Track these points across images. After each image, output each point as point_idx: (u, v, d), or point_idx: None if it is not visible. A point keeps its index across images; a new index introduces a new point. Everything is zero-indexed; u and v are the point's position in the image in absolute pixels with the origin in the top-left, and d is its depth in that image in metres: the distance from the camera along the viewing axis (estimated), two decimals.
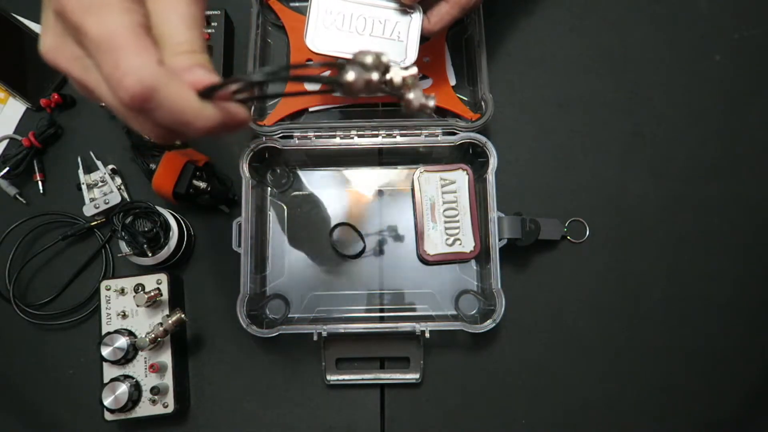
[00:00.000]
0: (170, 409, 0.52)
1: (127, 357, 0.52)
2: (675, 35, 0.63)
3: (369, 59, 0.26)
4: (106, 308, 0.54)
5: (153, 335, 0.50)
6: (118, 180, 0.59)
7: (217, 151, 0.59)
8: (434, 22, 0.50)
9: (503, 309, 0.51)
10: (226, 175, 0.58)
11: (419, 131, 0.55)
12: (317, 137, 0.55)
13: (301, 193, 0.59)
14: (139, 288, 0.54)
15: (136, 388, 0.51)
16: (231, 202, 0.58)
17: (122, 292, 0.54)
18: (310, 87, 0.31)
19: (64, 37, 0.28)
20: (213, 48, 0.59)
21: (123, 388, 0.50)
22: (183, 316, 0.52)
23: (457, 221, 0.57)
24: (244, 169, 0.54)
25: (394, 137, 0.55)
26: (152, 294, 0.52)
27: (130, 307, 0.54)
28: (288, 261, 0.58)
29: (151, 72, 0.26)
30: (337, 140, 0.55)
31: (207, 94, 0.28)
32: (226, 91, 0.29)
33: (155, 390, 0.51)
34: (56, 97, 0.60)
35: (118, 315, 0.53)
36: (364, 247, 0.57)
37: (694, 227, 0.59)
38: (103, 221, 0.57)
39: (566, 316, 0.58)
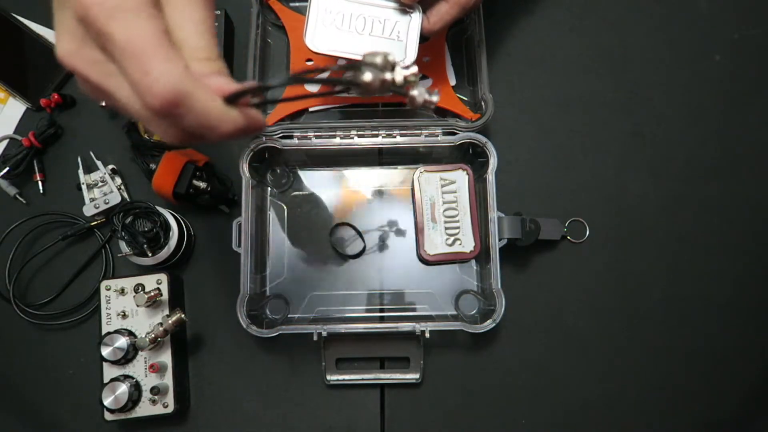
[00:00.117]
0: (170, 409, 0.52)
1: (127, 357, 0.52)
2: (675, 35, 0.63)
3: (379, 60, 0.27)
4: (106, 308, 0.54)
5: (153, 335, 0.50)
6: (118, 180, 0.59)
7: (217, 151, 0.59)
8: (434, 21, 0.50)
9: (503, 309, 0.51)
10: (226, 175, 0.58)
11: (419, 131, 0.55)
12: (317, 137, 0.55)
13: (301, 193, 0.59)
14: (139, 288, 0.54)
15: (136, 388, 0.51)
16: (231, 202, 0.58)
17: (122, 292, 0.54)
18: (310, 88, 0.32)
19: (84, 41, 0.28)
20: None
21: (123, 388, 0.50)
22: (183, 316, 0.52)
23: (457, 221, 0.57)
24: (244, 169, 0.54)
25: (394, 137, 0.55)
26: (152, 294, 0.52)
27: (130, 307, 0.54)
28: (288, 261, 0.58)
29: (181, 78, 0.27)
30: (337, 140, 0.55)
31: (232, 99, 0.29)
32: (248, 97, 0.30)
33: (155, 390, 0.51)
34: (56, 97, 0.60)
35: (118, 315, 0.53)
36: (364, 247, 0.57)
37: (694, 227, 0.59)
38: (103, 221, 0.57)
39: (566, 316, 0.58)
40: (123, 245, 0.54)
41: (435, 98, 0.30)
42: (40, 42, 0.62)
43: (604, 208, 0.59)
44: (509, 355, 0.57)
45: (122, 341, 0.51)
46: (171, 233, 0.54)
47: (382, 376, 0.55)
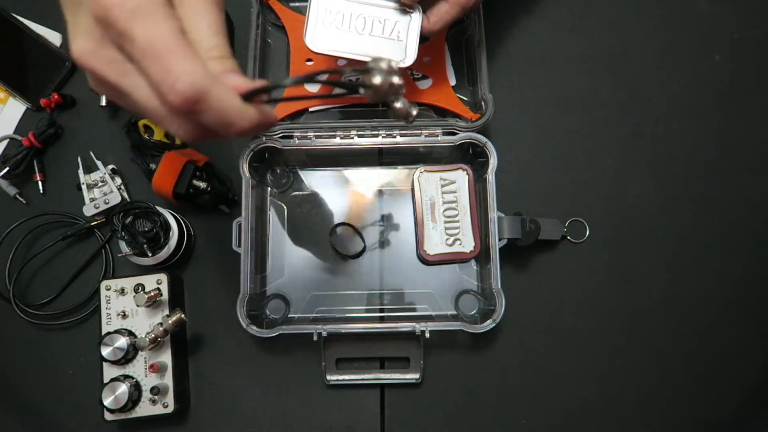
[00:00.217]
0: (170, 409, 0.52)
1: (127, 357, 0.52)
2: (675, 35, 0.63)
3: (384, 64, 0.29)
4: (106, 308, 0.54)
5: (153, 335, 0.50)
6: (118, 180, 0.59)
7: (217, 151, 0.59)
8: (434, 21, 0.50)
9: (503, 309, 0.51)
10: (226, 175, 0.58)
11: (419, 131, 0.55)
12: (317, 137, 0.55)
13: (301, 193, 0.59)
14: (139, 288, 0.54)
15: (136, 388, 0.51)
16: (231, 202, 0.58)
17: (122, 292, 0.54)
18: (310, 88, 0.33)
19: (102, 41, 0.29)
20: None
21: (123, 388, 0.50)
22: (183, 316, 0.52)
23: (457, 221, 0.57)
24: (244, 169, 0.54)
25: (394, 137, 0.55)
26: (152, 294, 0.52)
27: (130, 307, 0.54)
28: (288, 261, 0.58)
29: (201, 76, 0.27)
30: (337, 140, 0.55)
31: (249, 97, 0.30)
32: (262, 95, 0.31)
33: (155, 390, 0.51)
34: (56, 97, 0.60)
35: (118, 315, 0.53)
36: (364, 247, 0.57)
37: (694, 227, 0.59)
38: (103, 221, 0.57)
39: (566, 316, 0.58)
40: (123, 245, 0.54)
41: (415, 111, 0.33)
42: (40, 42, 0.62)
43: (604, 208, 0.59)
44: (509, 355, 0.57)
45: (122, 341, 0.51)
46: (171, 233, 0.54)
47: (382, 376, 0.55)
